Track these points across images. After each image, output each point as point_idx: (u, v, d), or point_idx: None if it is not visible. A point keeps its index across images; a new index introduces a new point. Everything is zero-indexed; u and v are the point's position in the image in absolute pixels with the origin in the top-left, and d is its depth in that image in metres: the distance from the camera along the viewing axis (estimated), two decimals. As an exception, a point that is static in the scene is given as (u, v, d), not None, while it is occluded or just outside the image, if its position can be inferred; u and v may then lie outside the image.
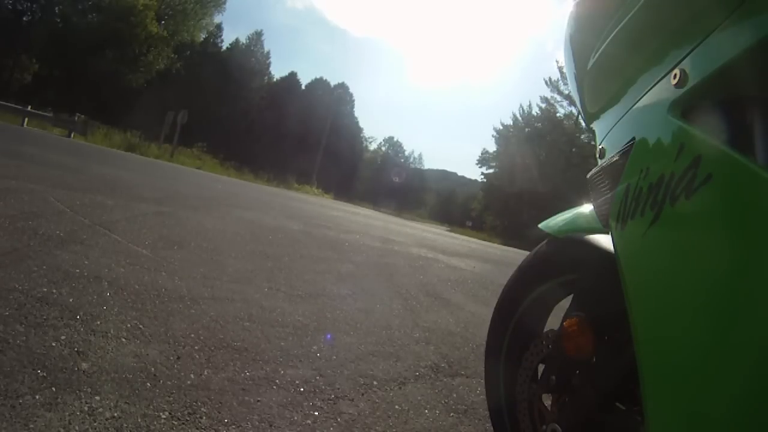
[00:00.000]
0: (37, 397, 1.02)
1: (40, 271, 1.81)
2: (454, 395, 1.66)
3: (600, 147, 0.83)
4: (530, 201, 32.17)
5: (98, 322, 1.50)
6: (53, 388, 1.07)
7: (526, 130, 37.77)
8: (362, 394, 1.48)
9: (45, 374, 1.11)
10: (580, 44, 0.92)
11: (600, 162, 0.81)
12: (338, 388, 1.48)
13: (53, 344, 1.27)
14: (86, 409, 1.03)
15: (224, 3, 38.52)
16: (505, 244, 22.87)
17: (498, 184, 38.31)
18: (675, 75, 0.60)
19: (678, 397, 0.53)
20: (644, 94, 0.67)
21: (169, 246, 2.84)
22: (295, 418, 1.24)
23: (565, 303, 0.93)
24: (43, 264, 1.89)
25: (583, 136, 33.99)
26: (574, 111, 34.59)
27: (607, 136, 0.80)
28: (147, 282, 2.03)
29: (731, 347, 0.48)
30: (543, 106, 37.24)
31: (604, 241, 0.84)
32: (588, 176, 0.85)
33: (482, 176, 43.41)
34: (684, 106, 0.59)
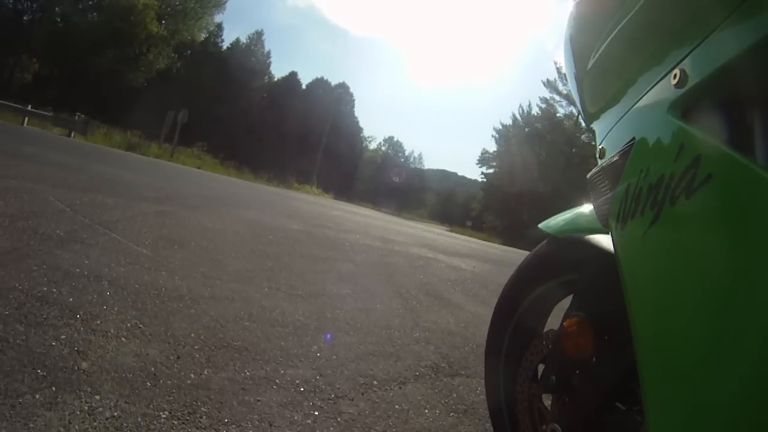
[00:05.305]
0: (37, 396, 1.02)
1: (40, 270, 1.81)
2: (454, 395, 1.66)
3: (600, 147, 0.83)
4: (530, 201, 32.19)
5: (98, 322, 1.50)
6: (53, 388, 1.07)
7: (526, 130, 37.82)
8: (362, 394, 1.48)
9: (45, 373, 1.11)
10: (580, 44, 0.92)
11: (600, 162, 0.81)
12: (338, 388, 1.48)
13: (53, 343, 1.27)
14: (86, 408, 1.03)
15: (224, 2, 38.55)
16: (505, 244, 22.88)
17: (498, 184, 38.35)
18: (675, 75, 0.59)
19: (678, 396, 0.53)
20: (644, 94, 0.67)
21: (170, 245, 2.84)
22: (296, 417, 1.24)
23: (565, 303, 0.93)
24: (43, 263, 1.89)
25: (583, 136, 34.01)
26: (574, 111, 34.61)
27: (607, 136, 0.79)
28: (147, 281, 2.03)
29: (731, 347, 0.48)
30: (543, 106, 37.32)
31: (604, 241, 0.84)
32: (588, 176, 0.84)
33: (482, 176, 43.52)
34: (684, 106, 0.59)
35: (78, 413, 1.00)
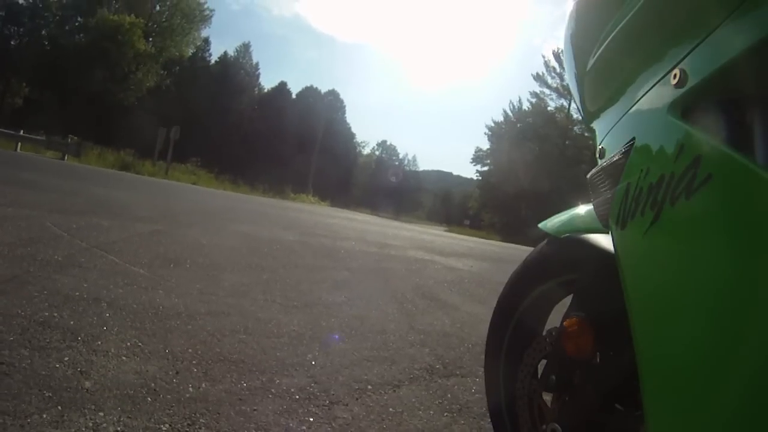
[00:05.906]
0: (44, 416, 1.08)
1: (41, 295, 1.87)
2: (449, 395, 1.70)
3: (600, 147, 0.83)
4: (526, 196, 32.32)
5: (99, 342, 1.55)
6: (59, 407, 1.12)
7: (518, 125, 38.04)
8: (356, 399, 1.53)
9: (50, 394, 1.17)
10: (579, 44, 0.92)
11: (600, 162, 0.81)
12: (333, 394, 1.52)
13: (57, 365, 1.33)
14: (91, 425, 1.08)
15: (210, 17, 38.84)
16: (503, 241, 22.91)
17: (493, 181, 38.51)
18: (675, 75, 0.60)
19: (678, 397, 0.54)
20: (644, 94, 0.67)
21: (166, 264, 2.90)
22: (291, 424, 1.29)
23: (566, 301, 0.94)
24: (43, 289, 1.95)
25: (575, 128, 34.16)
26: (565, 103, 34.81)
27: (607, 136, 0.79)
28: (145, 301, 2.09)
29: (731, 348, 0.48)
30: (533, 101, 37.53)
31: (604, 241, 0.84)
32: (588, 176, 0.84)
33: (477, 174, 43.70)
34: (684, 106, 0.59)
35: (83, 430, 1.06)
